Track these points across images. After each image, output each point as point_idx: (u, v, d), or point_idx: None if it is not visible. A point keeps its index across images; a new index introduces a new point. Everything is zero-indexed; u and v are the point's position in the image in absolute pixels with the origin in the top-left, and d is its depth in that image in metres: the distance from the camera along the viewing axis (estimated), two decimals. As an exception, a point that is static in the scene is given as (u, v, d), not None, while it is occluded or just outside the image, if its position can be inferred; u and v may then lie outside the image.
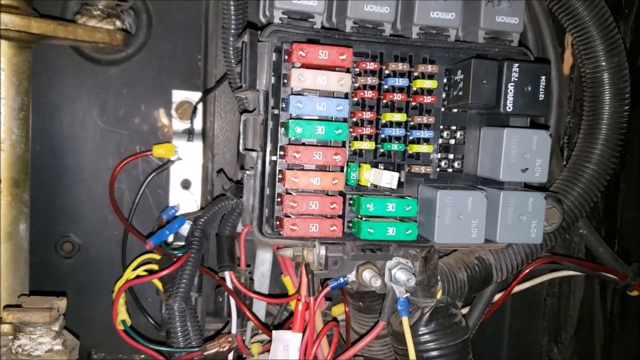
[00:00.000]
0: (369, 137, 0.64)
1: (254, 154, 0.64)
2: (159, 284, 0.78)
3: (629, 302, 0.93)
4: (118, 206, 0.84)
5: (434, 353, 0.69)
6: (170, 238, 0.83)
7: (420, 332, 0.69)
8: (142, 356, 0.91)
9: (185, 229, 0.81)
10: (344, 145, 0.63)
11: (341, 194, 0.63)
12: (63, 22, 0.75)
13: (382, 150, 0.65)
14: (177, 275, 0.73)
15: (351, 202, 0.64)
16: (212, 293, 0.84)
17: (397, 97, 0.63)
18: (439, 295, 0.70)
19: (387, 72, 0.64)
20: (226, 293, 0.77)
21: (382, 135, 0.64)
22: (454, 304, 0.73)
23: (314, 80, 0.59)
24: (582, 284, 0.99)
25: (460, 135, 0.67)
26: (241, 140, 0.65)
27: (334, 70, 0.60)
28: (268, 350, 0.73)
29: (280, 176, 0.62)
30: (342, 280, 0.66)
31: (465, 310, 0.83)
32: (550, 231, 0.73)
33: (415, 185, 0.66)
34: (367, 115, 0.63)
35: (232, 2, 0.71)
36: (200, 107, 0.87)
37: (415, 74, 0.64)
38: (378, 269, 0.65)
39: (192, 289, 0.75)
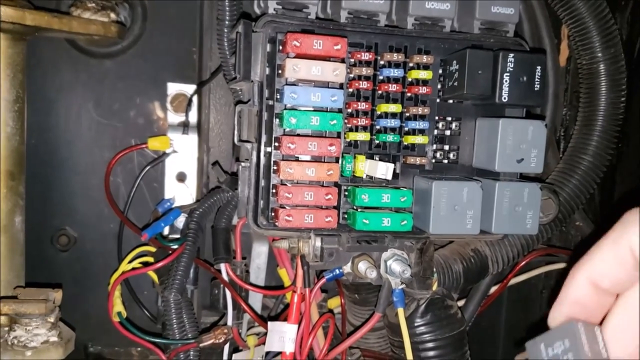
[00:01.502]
0: (364, 128, 0.64)
1: (248, 145, 0.63)
2: (154, 276, 0.78)
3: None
4: (114, 199, 0.84)
5: (430, 344, 0.70)
6: (166, 231, 0.83)
7: (415, 324, 0.69)
8: (139, 349, 0.91)
9: (180, 222, 0.81)
10: (339, 136, 0.62)
11: (336, 185, 0.63)
12: (57, 14, 0.75)
13: (377, 141, 0.64)
14: (172, 268, 0.73)
15: (346, 193, 0.64)
16: (208, 286, 0.84)
17: (392, 87, 0.63)
18: (434, 287, 0.70)
19: (382, 62, 0.63)
20: (222, 285, 0.77)
21: (377, 127, 0.64)
22: (450, 295, 0.73)
23: (309, 71, 0.58)
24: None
25: (456, 126, 0.67)
26: (236, 132, 0.65)
27: (329, 61, 0.60)
28: (264, 343, 0.73)
29: (275, 167, 0.61)
30: (337, 271, 0.66)
31: (461, 303, 0.83)
32: (546, 222, 0.73)
33: (411, 176, 0.66)
34: (362, 106, 0.63)
35: (226, -7, 0.71)
36: (195, 99, 0.87)
37: (411, 64, 0.64)
38: (374, 261, 0.65)
39: (187, 281, 0.75)
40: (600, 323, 0.36)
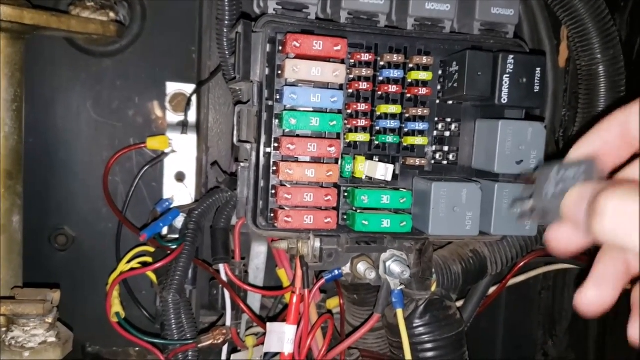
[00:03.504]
0: (364, 129, 0.64)
1: (248, 145, 0.63)
2: (153, 277, 0.78)
3: (622, 295, 0.93)
4: (112, 199, 0.84)
5: (429, 345, 0.70)
6: (165, 231, 0.83)
7: (414, 325, 0.69)
8: (137, 349, 0.90)
9: (179, 222, 0.80)
10: (338, 137, 0.62)
11: (336, 186, 0.63)
12: (56, 13, 0.74)
13: (376, 142, 0.64)
14: (171, 268, 0.73)
15: (346, 194, 0.64)
16: (206, 286, 0.84)
17: (392, 88, 0.63)
18: (433, 288, 0.70)
19: (382, 63, 0.63)
20: (221, 286, 0.76)
21: (377, 127, 0.64)
22: (449, 296, 0.73)
23: (309, 72, 0.58)
24: (577, 278, 0.99)
25: (455, 127, 0.67)
26: (235, 132, 0.64)
27: (329, 62, 0.59)
28: (263, 343, 0.73)
29: (274, 168, 0.61)
30: (336, 272, 0.65)
31: (460, 303, 0.83)
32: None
33: (410, 177, 0.66)
34: (362, 107, 0.63)
35: (226, -7, 0.71)
36: (194, 99, 0.86)
37: (411, 65, 0.64)
38: (373, 262, 0.65)
39: (186, 282, 0.75)
40: None
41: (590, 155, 0.38)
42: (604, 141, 0.39)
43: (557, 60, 0.85)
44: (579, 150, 0.40)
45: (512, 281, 0.85)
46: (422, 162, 0.65)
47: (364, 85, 0.62)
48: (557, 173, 0.38)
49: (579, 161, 0.38)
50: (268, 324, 0.69)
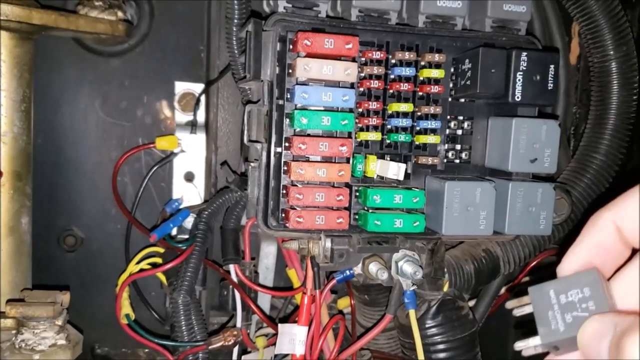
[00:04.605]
0: (375, 127, 0.63)
1: (258, 145, 0.63)
2: (163, 278, 0.78)
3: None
4: (121, 199, 0.84)
5: (441, 346, 0.69)
6: (174, 231, 0.82)
7: (427, 325, 0.68)
8: (146, 350, 0.90)
9: (189, 222, 0.80)
10: (350, 136, 0.62)
11: (347, 185, 0.62)
12: (64, 12, 0.74)
13: (388, 141, 0.64)
14: (181, 269, 0.73)
15: (357, 194, 0.63)
16: (216, 286, 0.83)
17: (404, 86, 0.62)
18: (445, 288, 0.69)
19: (393, 61, 0.63)
20: (231, 286, 0.76)
21: (389, 126, 0.63)
22: (461, 296, 0.72)
23: (320, 70, 0.58)
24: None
25: (468, 125, 0.66)
26: (245, 132, 0.64)
27: (340, 60, 0.59)
28: (273, 344, 0.73)
29: (285, 168, 0.61)
30: (348, 273, 0.65)
31: (471, 303, 0.82)
32: (558, 222, 0.72)
33: (422, 176, 0.65)
34: (374, 105, 0.62)
35: (235, -8, 0.70)
36: (203, 98, 0.86)
37: (422, 63, 0.63)
38: (384, 262, 0.64)
39: (196, 283, 0.74)
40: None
41: (588, 267, 0.34)
42: (596, 245, 0.35)
43: (568, 58, 0.85)
44: (573, 261, 0.36)
45: (524, 281, 0.84)
46: (435, 160, 0.64)
47: (375, 84, 0.61)
48: (556, 297, 0.34)
49: (578, 278, 0.34)
50: (279, 325, 0.69)
